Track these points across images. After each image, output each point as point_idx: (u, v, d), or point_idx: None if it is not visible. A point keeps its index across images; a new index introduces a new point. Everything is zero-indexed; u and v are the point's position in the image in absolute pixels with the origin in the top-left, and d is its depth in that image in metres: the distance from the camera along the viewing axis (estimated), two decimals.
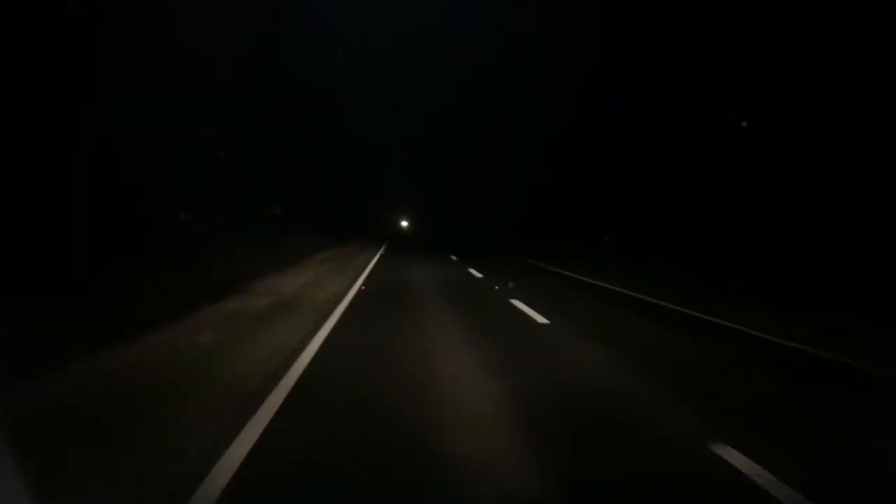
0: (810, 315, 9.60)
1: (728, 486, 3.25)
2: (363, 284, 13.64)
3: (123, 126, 11.02)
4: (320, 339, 6.95)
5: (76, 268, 8.77)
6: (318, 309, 9.23)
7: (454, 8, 54.44)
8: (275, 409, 4.31)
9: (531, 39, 37.29)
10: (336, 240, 29.28)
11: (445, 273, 18.24)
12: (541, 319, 8.99)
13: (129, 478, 3.11)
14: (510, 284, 13.95)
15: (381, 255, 26.03)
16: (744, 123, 18.97)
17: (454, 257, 26.20)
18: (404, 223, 71.06)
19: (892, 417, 4.62)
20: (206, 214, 15.26)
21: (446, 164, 63.02)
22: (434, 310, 10.28)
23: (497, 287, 13.85)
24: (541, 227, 37.44)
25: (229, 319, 7.85)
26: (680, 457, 3.67)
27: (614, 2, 27.46)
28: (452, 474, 3.28)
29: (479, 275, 17.37)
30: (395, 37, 51.29)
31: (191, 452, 3.42)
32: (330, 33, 32.85)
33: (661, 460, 3.62)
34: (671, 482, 3.28)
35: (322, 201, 35.03)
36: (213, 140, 16.81)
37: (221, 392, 4.73)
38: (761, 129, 17.93)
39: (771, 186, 17.42)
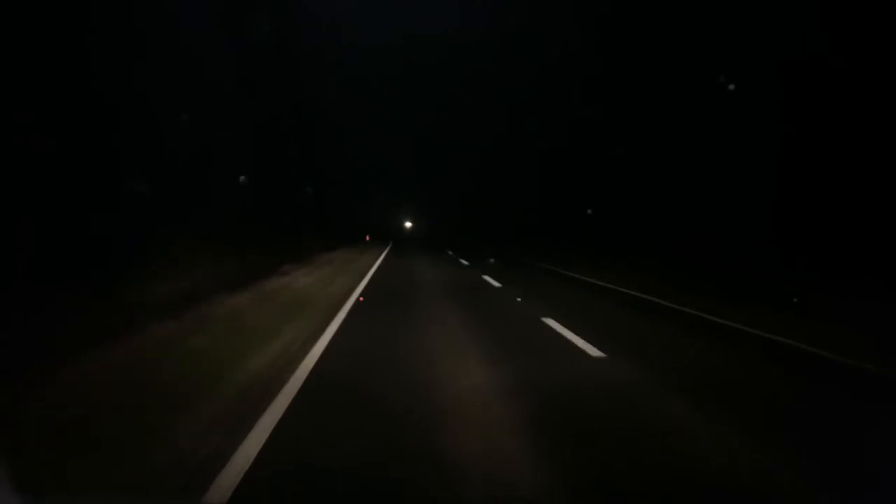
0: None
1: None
2: None
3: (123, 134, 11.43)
4: None
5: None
6: None
7: (455, 8, 56.49)
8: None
9: (533, 39, 37.41)
10: (325, 246, 25.30)
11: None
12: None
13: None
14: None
15: (373, 275, 16.80)
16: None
17: (450, 252, 33.51)
18: (408, 224, 71.76)
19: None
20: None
21: (449, 164, 64.77)
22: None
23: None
24: (542, 228, 39.10)
25: None
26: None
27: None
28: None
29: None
30: (397, 38, 51.04)
31: None
32: (331, 34, 32.52)
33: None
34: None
35: (316, 203, 33.24)
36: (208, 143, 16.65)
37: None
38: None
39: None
